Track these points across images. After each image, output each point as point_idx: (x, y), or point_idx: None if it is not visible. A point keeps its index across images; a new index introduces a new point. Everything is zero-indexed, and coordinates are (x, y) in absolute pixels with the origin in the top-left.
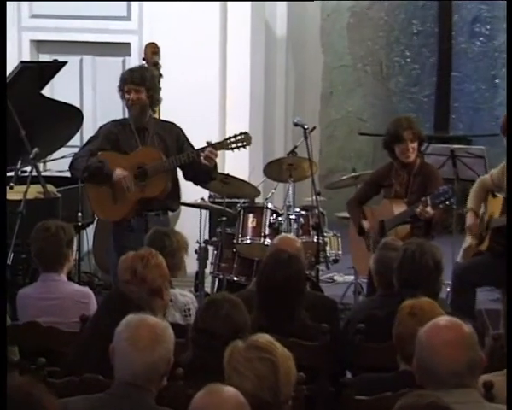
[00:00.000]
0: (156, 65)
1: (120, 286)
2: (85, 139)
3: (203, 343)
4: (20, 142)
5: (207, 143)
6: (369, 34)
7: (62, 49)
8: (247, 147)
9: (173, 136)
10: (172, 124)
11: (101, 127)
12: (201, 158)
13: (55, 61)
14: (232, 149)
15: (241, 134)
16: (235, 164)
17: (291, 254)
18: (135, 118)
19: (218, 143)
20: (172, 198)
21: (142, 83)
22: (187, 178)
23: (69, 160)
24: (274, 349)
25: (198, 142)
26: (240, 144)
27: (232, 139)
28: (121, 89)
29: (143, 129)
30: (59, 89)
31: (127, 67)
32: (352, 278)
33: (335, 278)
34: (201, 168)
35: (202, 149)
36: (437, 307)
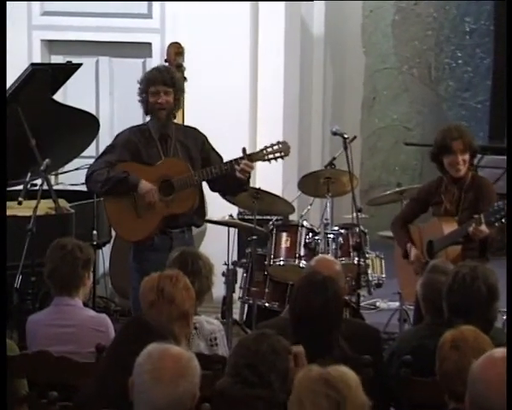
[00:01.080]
0: (180, 67)
1: (143, 311)
2: (102, 149)
3: (251, 379)
4: (29, 152)
5: (243, 150)
6: (417, 33)
7: (77, 50)
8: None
9: (197, 144)
10: (195, 130)
11: (117, 136)
12: (236, 171)
13: (69, 62)
14: (269, 160)
15: (278, 143)
16: (267, 177)
17: (326, 276)
18: (161, 124)
19: (254, 153)
20: (198, 213)
21: (173, 84)
22: (214, 189)
23: (84, 172)
24: (344, 387)
25: (226, 153)
26: (277, 155)
27: (269, 149)
28: (145, 91)
29: (165, 136)
30: (73, 94)
31: (148, 69)
32: (397, 304)
33: (378, 304)
34: (233, 181)
35: (236, 161)
36: (482, 336)
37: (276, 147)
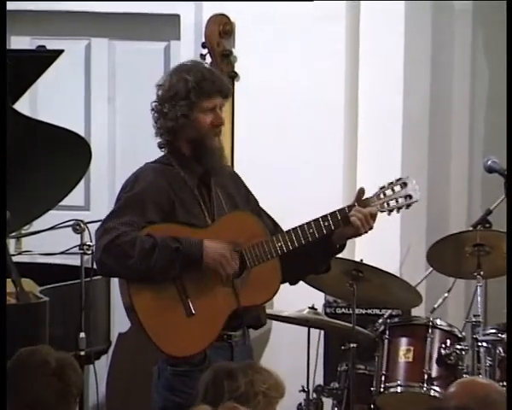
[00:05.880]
0: (228, 56)
1: None
2: (94, 194)
3: None
4: None
5: (360, 193)
6: None
7: (54, 28)
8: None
9: (240, 189)
10: (234, 172)
11: (135, 179)
12: (356, 225)
13: (41, 48)
14: (389, 210)
15: (401, 183)
16: (374, 243)
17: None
18: (215, 156)
19: (367, 200)
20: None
21: (228, 94)
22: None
23: (66, 233)
24: None
25: (298, 209)
26: (401, 201)
27: (388, 192)
28: (192, 107)
29: (205, 179)
30: (47, 100)
31: (173, 60)
32: None
33: None
34: (325, 248)
35: (342, 212)
36: None
37: (397, 187)
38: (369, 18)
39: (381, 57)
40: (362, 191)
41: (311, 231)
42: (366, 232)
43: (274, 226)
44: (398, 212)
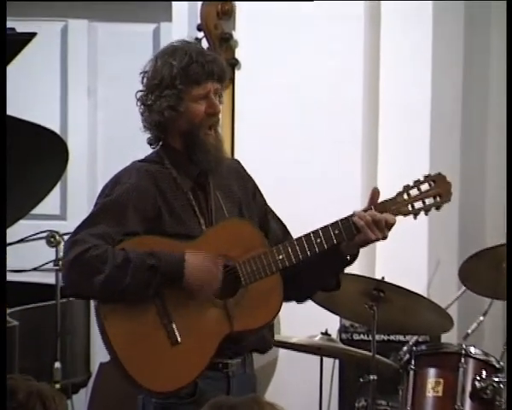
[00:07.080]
0: (227, 41)
1: None
2: (72, 202)
3: None
4: None
5: (374, 194)
6: None
7: (26, 7)
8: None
9: (247, 189)
10: (236, 162)
11: (115, 182)
12: (365, 233)
13: (10, 31)
14: (415, 212)
15: (428, 179)
16: (397, 258)
17: None
18: (210, 153)
19: (389, 201)
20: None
21: (223, 77)
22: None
23: (38, 245)
24: None
25: (317, 208)
26: (429, 202)
27: (414, 191)
28: (180, 97)
29: (202, 179)
30: (17, 92)
31: (164, 44)
32: None
33: None
34: (335, 259)
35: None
36: None
37: (424, 186)
38: (394, 11)
39: (406, 46)
40: (376, 192)
41: (318, 240)
42: (378, 240)
43: (283, 233)
44: (426, 214)
